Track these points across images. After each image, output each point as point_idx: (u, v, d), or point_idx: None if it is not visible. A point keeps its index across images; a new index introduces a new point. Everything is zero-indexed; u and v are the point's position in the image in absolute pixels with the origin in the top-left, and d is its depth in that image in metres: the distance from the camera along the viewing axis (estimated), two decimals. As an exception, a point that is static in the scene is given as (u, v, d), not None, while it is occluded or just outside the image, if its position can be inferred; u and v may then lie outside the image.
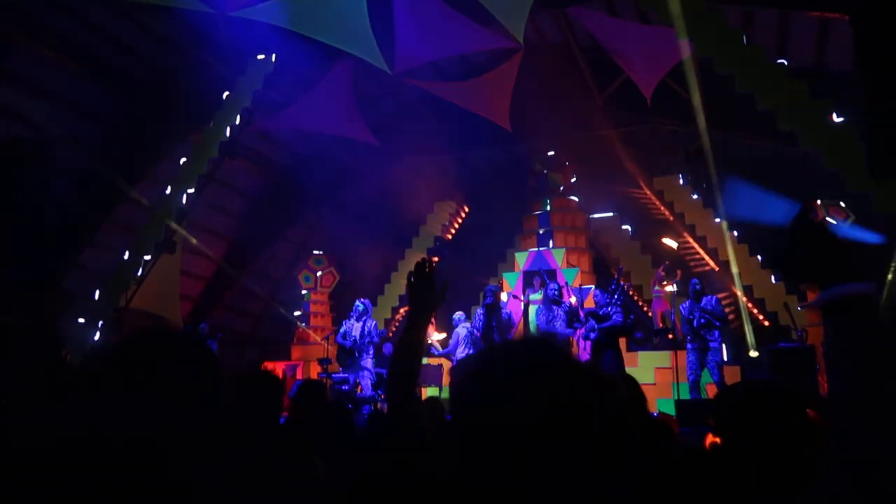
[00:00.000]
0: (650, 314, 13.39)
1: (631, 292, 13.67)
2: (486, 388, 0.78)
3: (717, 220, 12.25)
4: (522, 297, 10.82)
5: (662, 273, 11.28)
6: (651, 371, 9.92)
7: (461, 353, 9.35)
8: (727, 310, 10.29)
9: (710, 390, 8.53)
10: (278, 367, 12.19)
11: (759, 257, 12.13)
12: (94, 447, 0.64)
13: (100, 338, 9.79)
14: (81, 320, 9.74)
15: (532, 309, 10.30)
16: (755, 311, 12.06)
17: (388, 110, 13.12)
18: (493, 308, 8.66)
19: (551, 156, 13.60)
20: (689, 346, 8.74)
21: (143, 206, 10.37)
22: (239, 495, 1.65)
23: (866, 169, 5.57)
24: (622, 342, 9.54)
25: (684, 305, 8.90)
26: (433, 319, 12.22)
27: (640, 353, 10.40)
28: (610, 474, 0.74)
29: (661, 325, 11.24)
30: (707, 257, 13.14)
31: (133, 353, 1.22)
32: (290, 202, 13.55)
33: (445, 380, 10.36)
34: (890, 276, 5.61)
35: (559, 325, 9.00)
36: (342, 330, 9.97)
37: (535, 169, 13.72)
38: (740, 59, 7.24)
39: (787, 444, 0.76)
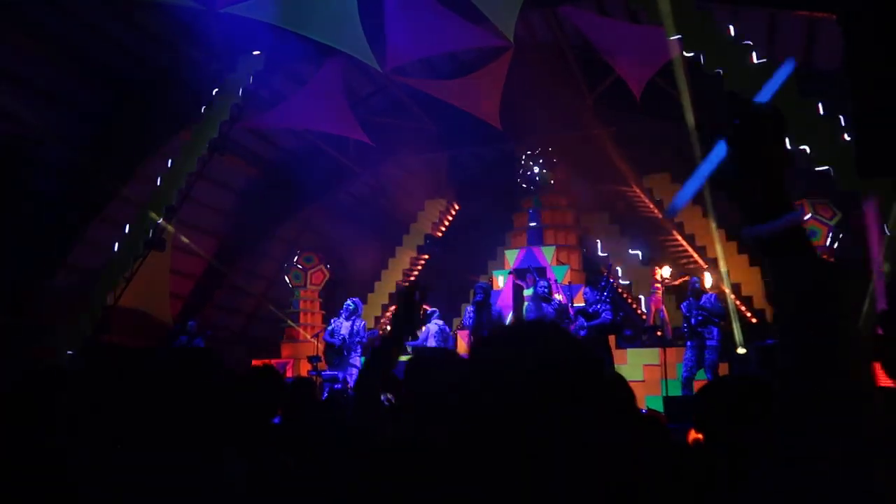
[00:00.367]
0: (639, 311, 13.47)
1: (620, 290, 13.74)
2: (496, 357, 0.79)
3: (706, 217, 12.32)
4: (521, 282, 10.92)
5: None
6: (640, 368, 9.97)
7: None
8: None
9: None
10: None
11: (745, 255, 12.22)
12: None
13: (89, 336, 9.74)
14: (70, 318, 9.68)
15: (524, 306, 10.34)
16: (743, 308, 12.15)
17: (379, 108, 13.11)
18: (483, 305, 8.68)
19: (541, 154, 13.63)
20: (687, 343, 8.83)
21: (132, 203, 10.31)
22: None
23: (854, 167, 5.63)
24: (611, 339, 9.60)
25: (685, 304, 8.98)
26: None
27: (630, 351, 10.47)
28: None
29: (651, 322, 11.32)
30: (696, 255, 13.22)
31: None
32: (280, 200, 13.51)
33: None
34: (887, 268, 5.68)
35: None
36: (330, 328, 9.97)
37: (526, 167, 13.75)
38: (729, 58, 7.29)
39: (765, 438, 0.75)
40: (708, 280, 10.21)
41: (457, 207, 16.24)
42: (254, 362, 12.07)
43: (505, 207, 14.24)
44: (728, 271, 10.59)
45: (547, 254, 12.81)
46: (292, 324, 13.60)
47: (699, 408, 1.89)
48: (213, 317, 13.33)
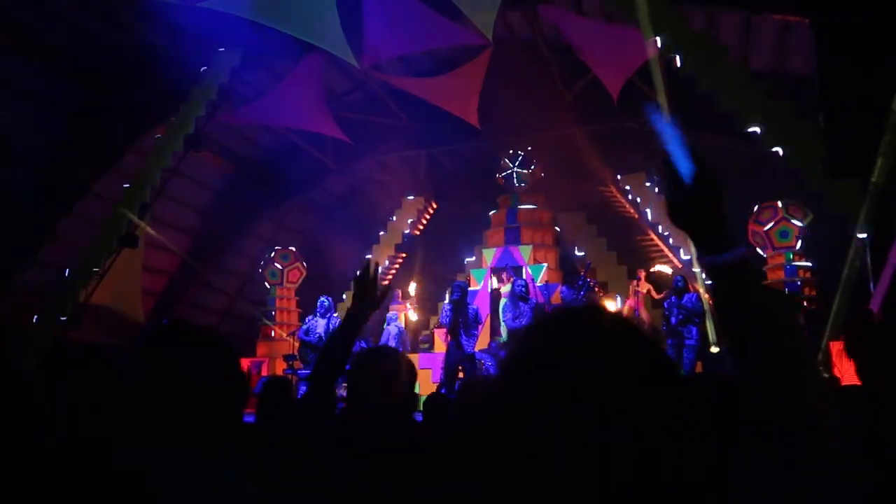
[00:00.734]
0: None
1: (597, 289, 13.84)
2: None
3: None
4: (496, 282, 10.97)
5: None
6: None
7: None
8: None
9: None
10: (243, 365, 12.07)
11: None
12: None
13: (59, 334, 9.57)
14: (41, 316, 9.51)
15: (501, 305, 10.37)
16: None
17: (357, 105, 13.05)
18: (460, 304, 8.69)
19: (519, 153, 13.68)
20: (668, 341, 8.92)
21: (104, 199, 10.15)
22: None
23: (824, 168, 5.73)
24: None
25: (666, 302, 9.06)
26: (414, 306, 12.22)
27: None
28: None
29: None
30: (670, 254, 13.36)
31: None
32: (256, 197, 13.39)
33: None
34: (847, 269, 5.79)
35: (525, 321, 9.08)
36: (305, 326, 9.92)
37: (504, 165, 13.79)
38: (704, 60, 7.38)
39: (726, 437, 0.79)
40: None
41: (435, 206, 16.25)
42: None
43: (482, 206, 14.26)
44: (702, 270, 10.71)
45: (524, 253, 12.86)
46: (268, 322, 13.49)
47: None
48: (187, 314, 13.17)
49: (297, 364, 9.95)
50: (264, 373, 12.15)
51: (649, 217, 13.50)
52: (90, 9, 9.46)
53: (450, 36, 9.80)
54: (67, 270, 10.08)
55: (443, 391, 7.89)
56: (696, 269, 10.43)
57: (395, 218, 15.83)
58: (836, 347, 6.66)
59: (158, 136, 10.45)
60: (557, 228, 13.97)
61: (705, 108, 7.77)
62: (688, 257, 11.99)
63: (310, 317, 10.13)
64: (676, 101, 9.23)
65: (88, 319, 9.94)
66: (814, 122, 6.91)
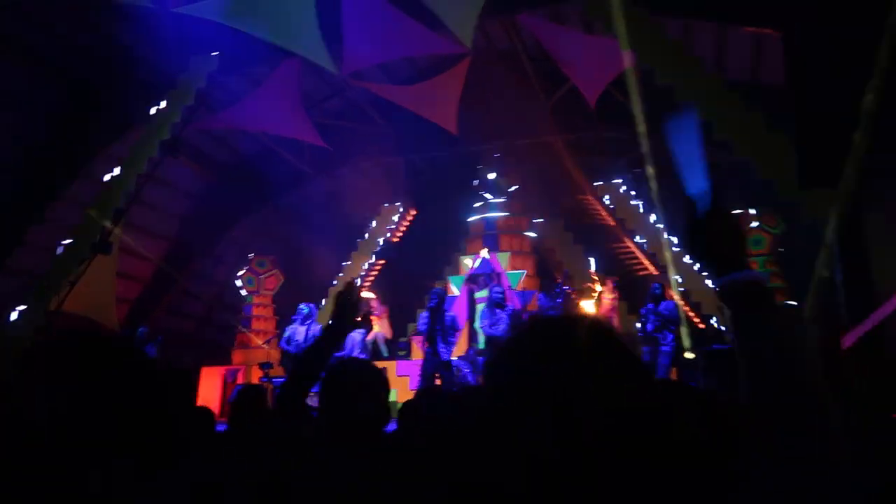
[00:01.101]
0: (592, 317, 13.65)
1: (574, 296, 13.91)
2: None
3: (657, 225, 12.60)
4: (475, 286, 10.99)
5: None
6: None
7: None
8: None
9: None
10: (218, 372, 11.94)
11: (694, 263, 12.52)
12: None
13: (30, 342, 9.37)
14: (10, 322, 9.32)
15: (477, 312, 10.38)
16: (692, 314, 12.44)
17: (336, 112, 13.02)
18: (438, 311, 8.68)
19: (498, 160, 13.74)
20: (643, 349, 9.00)
21: (77, 205, 9.99)
22: None
23: (796, 178, 5.83)
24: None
25: (643, 309, 9.13)
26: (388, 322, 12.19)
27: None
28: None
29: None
30: (647, 262, 13.49)
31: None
32: (233, 203, 13.28)
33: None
34: (813, 288, 5.88)
35: (502, 328, 9.09)
36: (286, 335, 9.84)
37: (482, 173, 13.84)
38: (680, 70, 7.47)
39: (685, 448, 0.83)
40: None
41: (413, 212, 16.24)
42: (203, 369, 11.84)
43: (461, 213, 14.29)
44: (678, 278, 10.84)
45: (502, 260, 12.90)
46: (244, 329, 13.36)
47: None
48: (162, 322, 13.00)
49: (274, 372, 9.85)
50: (240, 381, 12.03)
51: (626, 225, 13.63)
52: (65, 12, 9.34)
53: (429, 44, 9.83)
54: (38, 277, 9.89)
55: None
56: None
57: (373, 224, 15.80)
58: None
59: (134, 141, 10.32)
60: (534, 235, 14.04)
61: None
62: (663, 264, 12.10)
63: (289, 325, 10.06)
64: (654, 109, 9.37)
65: (59, 328, 9.76)
66: (787, 132, 7.04)
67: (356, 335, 9.69)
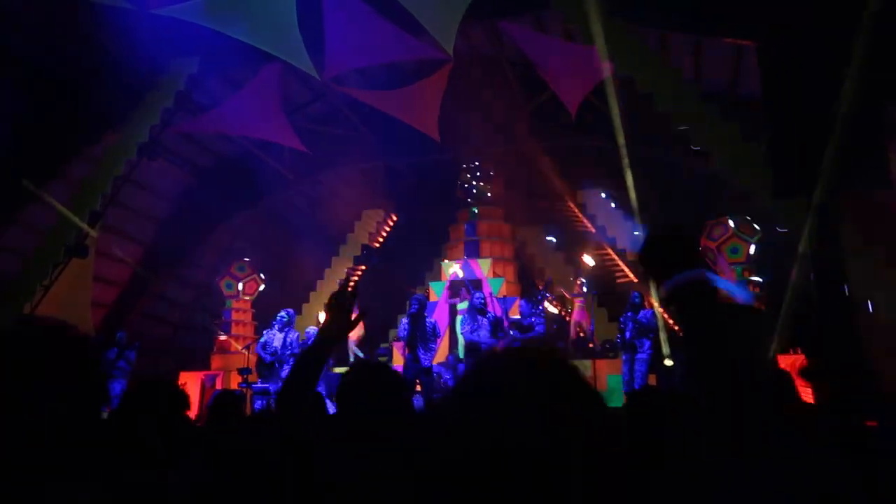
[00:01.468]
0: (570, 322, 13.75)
1: (555, 304, 13.98)
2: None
3: (636, 232, 12.70)
4: (451, 300, 11.00)
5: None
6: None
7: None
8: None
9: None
10: (196, 377, 11.81)
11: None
12: None
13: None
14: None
15: (458, 318, 10.39)
16: (671, 321, 12.54)
17: (317, 116, 12.98)
18: (418, 317, 8.67)
19: (479, 166, 13.77)
20: (623, 357, 9.10)
21: (53, 207, 9.85)
22: None
23: (771, 189, 5.92)
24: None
25: (622, 317, 9.22)
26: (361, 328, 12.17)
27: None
28: None
29: (580, 334, 11.56)
30: (627, 269, 13.59)
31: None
32: (213, 207, 13.16)
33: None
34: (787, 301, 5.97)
35: (483, 334, 9.11)
36: (262, 339, 9.76)
37: (463, 179, 13.87)
38: (658, 80, 7.56)
39: (664, 452, 0.84)
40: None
41: (394, 218, 16.22)
42: (182, 374, 11.70)
43: (442, 219, 14.30)
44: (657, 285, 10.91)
45: (483, 266, 12.93)
46: (223, 334, 13.25)
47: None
48: (139, 326, 12.84)
49: (252, 378, 9.77)
50: (219, 386, 11.92)
51: (606, 232, 13.73)
52: (43, 12, 9.23)
53: (410, 50, 9.84)
54: (11, 280, 9.74)
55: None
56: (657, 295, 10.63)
57: (354, 230, 15.76)
58: (785, 360, 6.86)
59: (111, 143, 10.20)
60: (515, 241, 14.10)
61: (663, 126, 7.96)
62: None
63: (267, 330, 9.98)
64: (634, 117, 9.47)
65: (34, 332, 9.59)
66: (763, 143, 7.15)
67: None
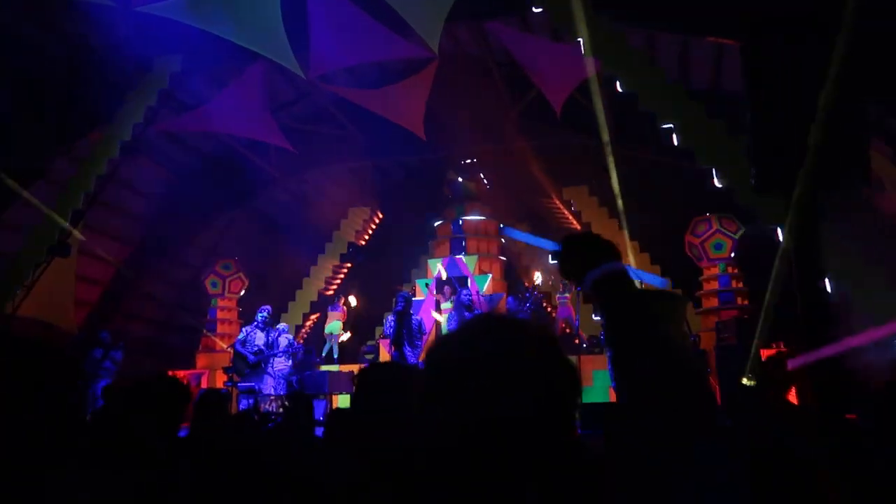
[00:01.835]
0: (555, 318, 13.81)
1: (543, 303, 14.05)
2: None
3: (620, 229, 12.77)
4: (437, 296, 11.03)
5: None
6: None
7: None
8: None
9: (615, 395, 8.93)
10: (182, 376, 11.75)
11: (658, 266, 12.73)
12: None
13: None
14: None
15: (444, 316, 10.40)
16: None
17: (303, 115, 12.93)
18: (405, 315, 8.68)
19: (465, 164, 13.79)
20: (608, 353, 9.15)
21: (34, 206, 9.74)
22: None
23: (753, 185, 5.98)
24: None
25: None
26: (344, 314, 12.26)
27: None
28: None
29: (565, 330, 11.63)
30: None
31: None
32: (198, 205, 13.07)
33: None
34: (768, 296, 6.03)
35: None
36: (242, 336, 9.72)
37: (449, 177, 13.88)
38: (643, 78, 7.60)
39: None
40: None
41: (380, 216, 16.21)
42: (168, 373, 11.63)
43: (428, 216, 14.31)
44: (641, 281, 10.99)
45: (469, 263, 12.95)
46: (208, 333, 13.18)
47: (605, 419, 1.98)
48: (123, 326, 12.74)
49: (237, 376, 9.73)
50: (204, 385, 11.87)
51: (591, 230, 13.78)
52: (22, 9, 9.11)
53: (396, 48, 9.83)
54: None
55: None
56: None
57: (341, 228, 15.73)
58: (767, 354, 6.94)
59: (93, 142, 10.11)
60: (503, 239, 14.14)
61: (648, 124, 8.00)
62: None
63: (248, 326, 9.94)
64: (620, 116, 9.52)
65: (15, 333, 9.50)
66: (745, 140, 7.21)
67: (282, 340, 9.71)
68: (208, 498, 2.15)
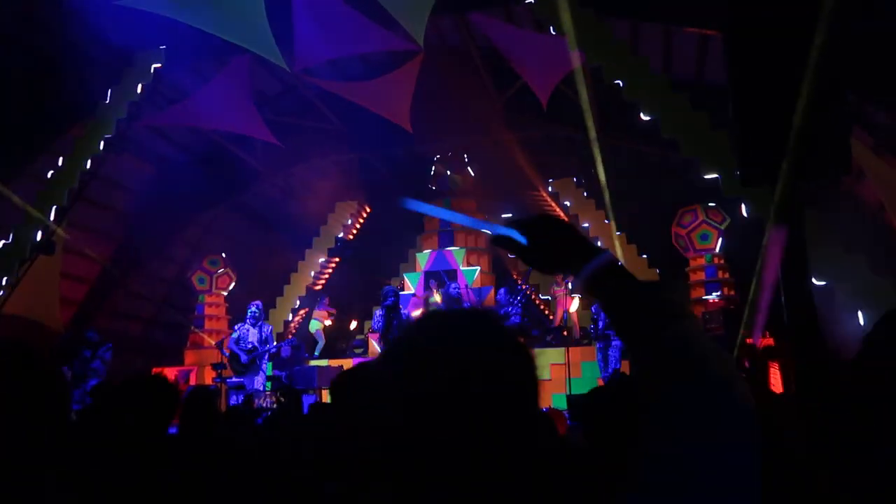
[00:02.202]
0: (546, 312, 13.86)
1: (533, 296, 14.11)
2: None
3: (607, 221, 12.83)
4: (423, 294, 11.03)
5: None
6: (547, 367, 10.25)
7: None
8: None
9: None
10: (170, 373, 11.70)
11: (645, 257, 12.81)
12: None
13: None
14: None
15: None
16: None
17: (288, 109, 12.85)
18: (394, 309, 8.69)
19: (452, 157, 13.78)
20: (597, 345, 9.23)
21: (17, 204, 9.64)
22: None
23: (738, 177, 6.02)
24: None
25: (594, 306, 9.33)
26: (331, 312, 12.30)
27: (536, 350, 10.68)
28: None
29: (557, 323, 11.68)
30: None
31: None
32: (184, 201, 12.96)
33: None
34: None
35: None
36: (235, 335, 9.70)
37: (436, 170, 13.87)
38: (627, 69, 7.63)
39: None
40: None
41: (367, 210, 16.17)
42: (154, 370, 11.57)
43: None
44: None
45: (457, 256, 12.96)
46: (196, 330, 13.12)
47: (585, 412, 2.00)
48: (110, 323, 12.64)
49: (227, 373, 9.71)
50: (193, 382, 11.83)
51: (579, 222, 13.83)
52: (2, 3, 8.98)
53: (381, 41, 9.79)
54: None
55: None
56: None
57: (328, 222, 15.68)
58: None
59: (76, 137, 10.01)
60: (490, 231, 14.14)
61: (633, 114, 8.04)
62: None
63: (239, 324, 9.91)
64: (605, 107, 9.54)
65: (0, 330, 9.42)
66: (730, 131, 7.25)
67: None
68: (199, 494, 2.15)
